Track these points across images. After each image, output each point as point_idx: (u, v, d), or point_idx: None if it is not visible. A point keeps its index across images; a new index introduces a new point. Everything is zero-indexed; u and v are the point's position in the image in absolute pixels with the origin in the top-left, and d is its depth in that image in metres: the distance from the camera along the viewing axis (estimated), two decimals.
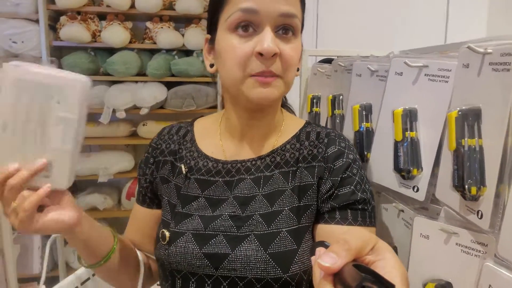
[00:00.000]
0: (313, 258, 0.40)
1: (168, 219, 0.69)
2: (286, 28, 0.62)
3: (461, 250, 0.59)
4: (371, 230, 0.65)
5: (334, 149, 0.67)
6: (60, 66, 2.18)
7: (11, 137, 0.55)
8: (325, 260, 0.34)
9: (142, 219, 0.79)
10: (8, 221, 1.16)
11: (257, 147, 0.71)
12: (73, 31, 2.08)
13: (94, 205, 2.33)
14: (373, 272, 0.32)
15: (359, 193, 0.64)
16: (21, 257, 1.26)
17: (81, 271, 0.88)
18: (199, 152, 0.73)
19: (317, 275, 0.36)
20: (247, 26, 0.61)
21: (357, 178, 0.66)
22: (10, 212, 0.56)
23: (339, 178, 0.65)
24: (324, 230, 0.64)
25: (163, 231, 0.67)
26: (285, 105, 0.85)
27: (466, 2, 2.17)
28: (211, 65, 0.69)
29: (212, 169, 0.70)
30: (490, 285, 0.51)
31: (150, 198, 0.77)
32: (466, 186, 0.53)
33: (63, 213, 0.58)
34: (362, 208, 0.64)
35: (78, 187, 2.52)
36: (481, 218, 0.53)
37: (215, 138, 0.74)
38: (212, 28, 0.67)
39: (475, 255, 0.57)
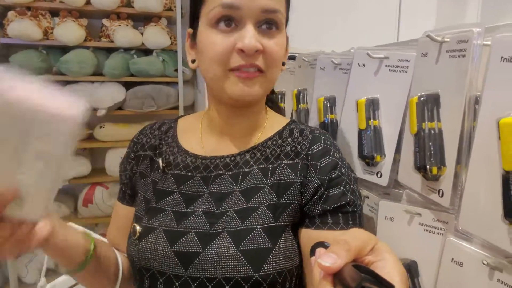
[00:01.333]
0: (313, 258, 0.40)
1: (141, 214, 0.67)
2: (269, 23, 0.60)
3: (424, 229, 0.62)
4: (376, 238, 0.65)
5: (319, 146, 0.64)
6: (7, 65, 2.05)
7: None
8: (325, 260, 0.34)
9: (122, 217, 0.75)
10: None
11: (238, 144, 0.69)
12: (23, 28, 1.96)
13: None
14: (373, 272, 0.33)
15: (348, 194, 0.61)
16: None
17: (63, 278, 0.82)
18: (179, 148, 0.71)
19: (317, 275, 0.36)
20: (229, 21, 0.59)
21: (345, 178, 0.63)
22: None
23: (327, 178, 0.62)
24: (316, 236, 0.60)
25: (134, 226, 0.64)
26: (271, 101, 0.81)
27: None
28: (193, 61, 0.67)
29: (190, 164, 0.68)
30: (452, 258, 0.54)
31: (129, 195, 0.75)
32: (428, 167, 0.56)
33: (32, 235, 0.51)
34: (352, 210, 0.61)
35: None
36: (442, 196, 0.56)
37: (196, 134, 0.73)
38: (193, 22, 0.66)
39: (437, 233, 0.60)
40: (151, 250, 0.61)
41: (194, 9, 0.66)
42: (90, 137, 2.27)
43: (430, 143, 0.57)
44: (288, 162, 0.65)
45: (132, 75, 2.16)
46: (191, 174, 0.67)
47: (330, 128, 0.85)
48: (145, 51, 2.24)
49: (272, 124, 0.71)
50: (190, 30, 0.68)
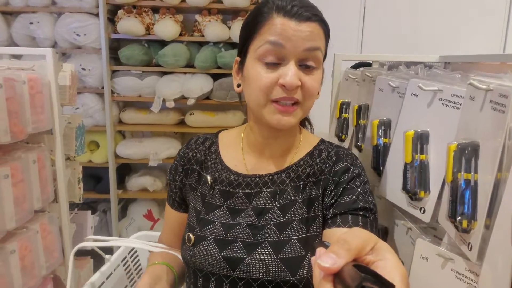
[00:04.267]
0: (313, 258, 0.40)
1: (194, 224, 0.78)
2: (309, 62, 0.67)
3: (456, 276, 0.61)
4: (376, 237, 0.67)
5: (341, 165, 0.72)
6: (117, 57, 2.36)
7: None
8: (325, 261, 0.34)
9: (172, 220, 0.88)
10: (65, 203, 1.33)
11: (275, 163, 0.77)
12: (129, 25, 2.23)
13: (145, 186, 2.53)
14: (373, 272, 0.32)
15: (360, 203, 0.68)
16: (76, 235, 1.44)
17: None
18: (223, 165, 0.80)
19: (317, 275, 0.37)
20: (274, 63, 0.67)
21: (359, 190, 0.69)
22: None
23: (341, 189, 0.70)
24: (325, 234, 0.68)
25: (189, 234, 0.76)
26: (304, 119, 0.88)
27: None
28: (238, 85, 0.76)
29: (233, 181, 0.77)
30: None
31: (178, 202, 0.85)
32: (458, 219, 0.55)
33: None
34: (363, 214, 0.67)
35: (132, 169, 2.75)
36: (470, 250, 0.54)
37: (237, 152, 0.81)
38: (242, 53, 0.74)
39: (467, 283, 0.59)
40: (203, 255, 0.72)
41: (243, 43, 0.73)
42: (182, 123, 2.51)
43: (463, 195, 0.55)
44: (315, 180, 0.73)
45: (219, 67, 2.31)
46: (235, 190, 0.76)
47: (383, 152, 0.84)
48: (233, 44, 2.36)
49: (305, 144, 0.79)
50: (238, 58, 0.76)
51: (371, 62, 1.27)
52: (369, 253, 0.37)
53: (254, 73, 0.68)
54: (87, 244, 0.87)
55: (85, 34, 2.26)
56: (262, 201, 0.74)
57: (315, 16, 0.67)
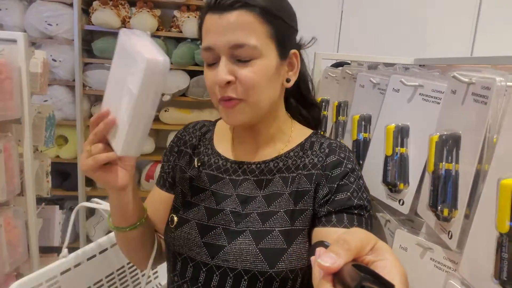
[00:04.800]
0: (312, 258, 0.40)
1: (178, 206, 0.77)
2: (241, 55, 0.65)
3: (434, 265, 0.62)
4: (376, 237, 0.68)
5: (333, 158, 0.71)
6: (90, 50, 2.29)
7: (110, 86, 0.64)
8: (325, 260, 0.35)
9: (159, 202, 0.85)
10: (32, 197, 1.27)
11: (264, 153, 0.77)
12: (104, 16, 2.17)
13: None
14: (373, 272, 0.32)
15: (355, 200, 0.67)
16: (43, 230, 1.38)
17: (102, 240, 0.96)
18: (213, 150, 0.80)
19: (316, 275, 0.37)
20: (211, 63, 0.67)
21: (354, 186, 0.68)
22: (85, 152, 0.65)
23: (335, 185, 0.68)
24: (320, 233, 0.67)
25: (172, 216, 0.75)
26: (300, 114, 0.85)
27: (498, 12, 2.10)
28: None
29: (221, 166, 0.77)
30: None
31: (170, 183, 0.84)
32: (439, 208, 0.56)
33: (117, 175, 0.66)
34: (358, 213, 0.67)
35: None
36: (451, 238, 0.56)
37: (230, 140, 0.81)
38: None
39: (446, 271, 0.60)
40: (184, 238, 0.71)
41: None
42: (156, 119, 2.46)
43: (445, 184, 0.56)
44: (306, 172, 0.72)
45: (196, 64, 2.29)
46: (222, 175, 0.76)
47: (363, 146, 0.86)
48: None
49: (296, 136, 0.78)
50: None
51: (349, 62, 1.30)
52: (369, 253, 0.37)
53: (205, 76, 0.70)
54: (87, 204, 0.94)
55: (57, 24, 2.17)
56: (248, 189, 0.73)
57: (238, 3, 0.63)
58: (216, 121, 0.86)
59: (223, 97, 0.66)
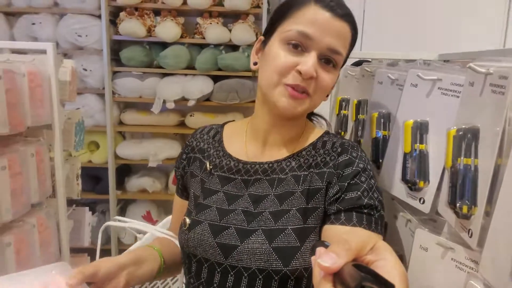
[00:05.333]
0: (313, 257, 0.40)
1: (191, 208, 0.78)
2: (329, 60, 0.69)
3: (456, 265, 0.60)
4: (377, 237, 0.65)
5: (345, 157, 0.71)
6: (118, 59, 2.37)
7: None
8: (325, 260, 0.35)
9: (179, 209, 0.88)
10: (63, 198, 1.33)
11: (277, 152, 0.77)
12: (131, 27, 2.25)
13: (144, 187, 2.52)
14: (373, 272, 0.33)
15: (365, 199, 0.66)
16: (74, 231, 1.44)
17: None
18: (224, 152, 0.80)
19: (317, 274, 0.37)
20: (297, 45, 0.68)
21: (364, 186, 0.68)
22: None
23: (346, 184, 0.68)
24: (329, 230, 0.67)
25: (185, 218, 0.76)
26: (311, 116, 0.87)
27: None
28: (255, 63, 0.77)
29: (233, 167, 0.77)
30: None
31: (181, 189, 0.87)
32: (458, 205, 0.54)
33: None
34: (368, 212, 0.66)
35: (132, 170, 2.74)
36: (471, 236, 0.54)
37: (240, 140, 0.81)
38: (268, 33, 0.75)
39: (468, 272, 0.58)
40: (197, 240, 0.72)
41: (272, 23, 0.74)
42: (182, 124, 2.51)
43: (463, 180, 0.54)
44: (317, 171, 0.71)
45: (219, 69, 2.32)
46: (233, 176, 0.76)
47: (382, 144, 0.84)
48: (233, 47, 2.37)
49: (308, 135, 0.78)
50: (262, 38, 0.77)
51: (370, 60, 1.28)
52: (369, 253, 0.37)
53: (275, 53, 0.69)
54: (113, 224, 0.94)
55: (86, 35, 2.27)
56: (260, 188, 0.73)
57: (349, 17, 0.68)
58: (224, 123, 0.87)
59: (297, 84, 0.67)
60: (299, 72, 0.66)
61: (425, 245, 0.66)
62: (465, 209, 0.54)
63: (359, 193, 0.67)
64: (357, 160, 0.70)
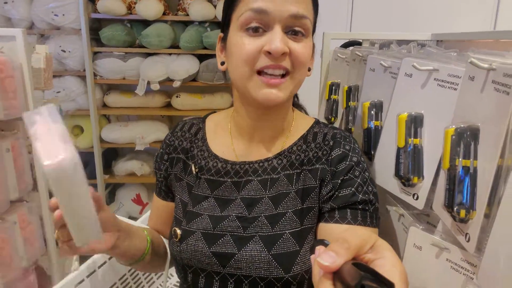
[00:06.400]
0: (312, 256, 0.40)
1: (180, 217, 0.73)
2: (296, 31, 0.62)
3: (451, 266, 0.58)
4: (372, 230, 0.65)
5: (338, 151, 0.68)
6: (98, 38, 2.26)
7: None
8: (325, 259, 0.34)
9: (160, 209, 0.83)
10: (45, 192, 1.28)
11: (266, 148, 0.72)
12: (110, 4, 2.13)
13: (132, 171, 2.48)
14: (373, 271, 0.32)
15: (360, 195, 0.64)
16: None
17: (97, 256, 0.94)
18: (209, 152, 0.74)
19: (316, 273, 0.37)
20: (257, 28, 0.61)
21: (358, 180, 0.66)
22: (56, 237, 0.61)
23: (339, 180, 0.66)
24: (323, 229, 0.65)
25: (175, 229, 0.71)
26: (296, 104, 0.83)
27: None
28: (222, 63, 0.70)
29: (221, 169, 0.72)
30: None
31: (164, 191, 0.81)
32: (455, 209, 0.51)
33: (101, 243, 0.62)
34: (362, 208, 0.64)
35: (118, 153, 2.68)
36: (468, 241, 0.51)
37: (226, 137, 0.75)
38: (225, 27, 0.68)
39: (463, 274, 0.56)
40: (191, 251, 0.67)
41: (225, 15, 0.67)
42: (168, 105, 2.44)
43: (461, 183, 0.51)
44: (310, 168, 0.68)
45: (205, 48, 2.23)
46: (223, 179, 0.71)
47: (374, 135, 0.80)
48: (219, 24, 2.26)
49: (298, 126, 0.73)
50: (221, 35, 0.70)
51: (361, 40, 1.22)
52: (369, 251, 0.37)
53: (237, 43, 0.62)
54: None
55: (63, 14, 2.15)
56: (252, 190, 0.68)
57: None
58: (205, 117, 0.80)
59: (270, 65, 0.61)
60: (269, 53, 0.60)
61: (419, 244, 0.64)
62: (462, 213, 0.51)
63: (353, 189, 0.65)
64: (350, 154, 0.67)
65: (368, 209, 0.65)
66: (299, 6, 0.61)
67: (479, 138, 0.50)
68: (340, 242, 0.35)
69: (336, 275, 0.34)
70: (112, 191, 2.64)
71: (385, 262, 0.35)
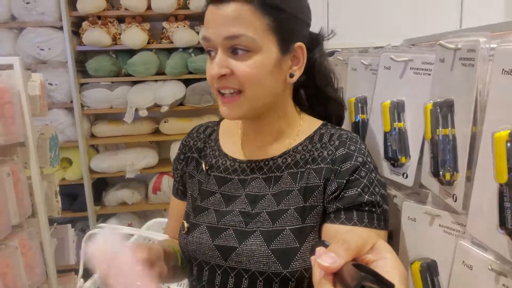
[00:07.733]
0: (312, 257, 0.40)
1: (189, 211, 0.77)
2: (236, 49, 0.64)
3: (444, 230, 0.64)
4: (378, 233, 0.65)
5: (342, 151, 0.68)
6: (85, 70, 2.31)
7: None
8: (325, 260, 0.35)
9: (177, 210, 0.86)
10: (44, 217, 1.29)
11: (272, 148, 0.75)
12: (95, 36, 2.20)
13: (123, 200, 2.48)
14: (373, 272, 0.32)
15: (366, 196, 0.65)
16: (58, 250, 1.39)
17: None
18: (220, 151, 0.79)
19: (316, 274, 0.37)
20: (210, 51, 0.67)
21: (365, 181, 0.66)
22: None
23: (345, 181, 0.66)
24: (329, 230, 0.66)
25: (183, 222, 0.75)
26: (314, 110, 0.82)
27: None
28: None
29: (229, 167, 0.76)
30: (463, 261, 0.56)
31: (181, 191, 0.85)
32: (441, 173, 0.58)
33: None
34: (369, 210, 0.64)
35: (108, 183, 2.68)
36: (455, 201, 0.57)
37: (236, 138, 0.79)
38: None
39: (455, 235, 0.62)
40: (196, 243, 0.71)
41: None
42: (157, 131, 2.49)
43: (444, 150, 0.58)
44: (315, 167, 0.70)
45: (190, 72, 2.31)
46: (230, 176, 0.75)
47: (361, 128, 0.87)
48: (202, 49, 2.37)
49: (305, 129, 0.76)
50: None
51: (340, 50, 1.32)
52: (369, 252, 0.37)
53: (206, 69, 0.70)
54: (97, 231, 0.89)
55: (49, 48, 2.21)
56: (256, 188, 0.72)
57: None
58: (221, 120, 0.86)
59: (219, 87, 0.66)
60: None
61: (412, 216, 0.70)
62: (448, 176, 0.57)
63: (359, 189, 0.65)
64: (355, 154, 0.68)
65: (375, 210, 0.65)
66: (233, 27, 0.62)
67: (454, 109, 0.58)
68: (340, 243, 0.36)
69: (337, 275, 0.35)
70: (103, 222, 2.61)
71: (385, 263, 0.36)
